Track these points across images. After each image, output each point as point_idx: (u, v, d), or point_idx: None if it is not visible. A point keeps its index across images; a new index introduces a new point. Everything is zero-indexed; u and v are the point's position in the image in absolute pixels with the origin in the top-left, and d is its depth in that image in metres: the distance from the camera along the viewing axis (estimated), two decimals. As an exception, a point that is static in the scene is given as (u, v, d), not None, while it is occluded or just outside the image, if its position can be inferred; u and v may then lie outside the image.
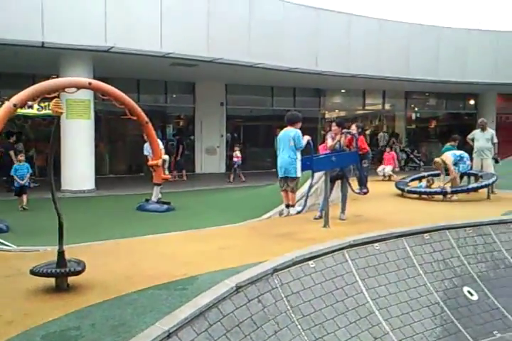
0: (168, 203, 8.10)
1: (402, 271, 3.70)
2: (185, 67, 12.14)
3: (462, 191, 9.87)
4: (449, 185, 9.45)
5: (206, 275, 3.18)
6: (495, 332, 3.43)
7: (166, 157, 9.17)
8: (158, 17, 10.37)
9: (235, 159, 13.23)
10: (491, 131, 10.68)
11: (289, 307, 3.09)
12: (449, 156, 9.65)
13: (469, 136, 11.05)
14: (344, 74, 13.98)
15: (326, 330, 3.09)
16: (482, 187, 10.01)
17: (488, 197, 9.95)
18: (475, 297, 3.63)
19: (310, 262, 3.41)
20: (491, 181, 9.95)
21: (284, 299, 3.12)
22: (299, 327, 3.03)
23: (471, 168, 10.09)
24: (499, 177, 10.49)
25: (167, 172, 9.40)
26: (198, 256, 3.86)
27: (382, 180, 12.24)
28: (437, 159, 9.77)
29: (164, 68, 12.25)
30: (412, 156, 19.22)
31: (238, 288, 2.91)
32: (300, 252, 3.44)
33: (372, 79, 15.10)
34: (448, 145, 11.12)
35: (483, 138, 10.46)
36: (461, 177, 9.96)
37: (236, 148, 13.64)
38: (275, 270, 3.19)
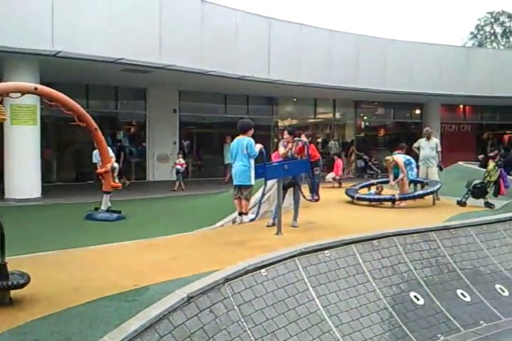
0: (118, 212, 7.92)
1: (352, 277, 3.77)
2: (137, 73, 11.97)
3: (409, 198, 10.24)
4: (398, 191, 9.80)
5: (157, 286, 3.12)
6: (439, 335, 3.55)
7: (116, 165, 8.98)
8: (108, 22, 10.19)
9: (178, 166, 13.11)
10: (435, 140, 11.18)
11: (241, 317, 3.08)
12: (400, 157, 10.04)
13: (415, 145, 11.52)
14: (294, 83, 14.20)
15: (277, 339, 3.10)
16: (428, 193, 10.42)
17: (434, 203, 10.36)
18: (421, 301, 3.75)
19: (262, 270, 3.42)
20: (435, 188, 10.38)
21: (236, 308, 3.11)
22: (251, 336, 3.03)
23: (418, 176, 10.51)
24: (443, 185, 10.96)
25: (117, 180, 9.20)
26: (148, 266, 3.79)
27: (332, 187, 12.50)
28: (389, 157, 10.13)
29: (115, 74, 12.03)
30: (370, 164, 19.76)
31: (190, 299, 2.88)
32: (252, 261, 3.45)
33: (323, 89, 15.42)
34: (395, 153, 11.51)
35: (428, 147, 10.93)
36: (409, 184, 10.32)
37: (179, 155, 13.58)
38: (227, 279, 3.18)
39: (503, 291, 4.26)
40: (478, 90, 19.53)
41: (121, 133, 16.10)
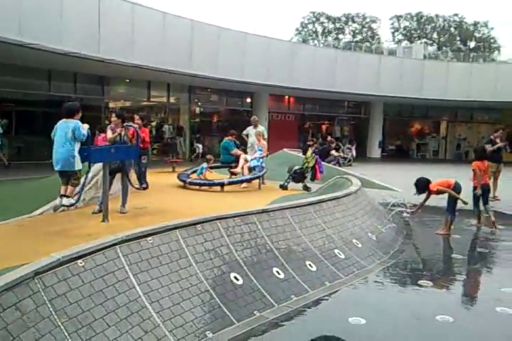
0: None
1: (174, 262, 3.80)
2: None
3: (237, 182, 10.71)
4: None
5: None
6: (255, 312, 3.79)
7: None
8: None
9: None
10: (262, 128, 11.88)
11: (52, 311, 2.89)
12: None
13: (244, 132, 12.09)
14: (127, 64, 13.68)
15: (94, 331, 2.99)
16: (254, 178, 11.02)
17: (260, 187, 11.01)
18: (240, 281, 3.95)
19: (79, 261, 3.24)
20: (261, 173, 11.04)
21: (48, 303, 2.90)
22: (64, 331, 2.86)
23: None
24: (269, 170, 11.69)
25: None
26: None
27: (167, 172, 12.44)
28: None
29: None
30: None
31: (-10, 297, 2.60)
32: (67, 251, 3.24)
33: (157, 71, 15.13)
34: (226, 139, 11.93)
35: (254, 134, 11.58)
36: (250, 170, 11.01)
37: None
38: (37, 273, 2.95)
39: (312, 267, 4.72)
40: (302, 83, 21.14)
41: None
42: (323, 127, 29.35)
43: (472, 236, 7.49)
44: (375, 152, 27.80)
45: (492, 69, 26.01)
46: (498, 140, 11.01)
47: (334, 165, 17.08)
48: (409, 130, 30.73)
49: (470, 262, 5.76)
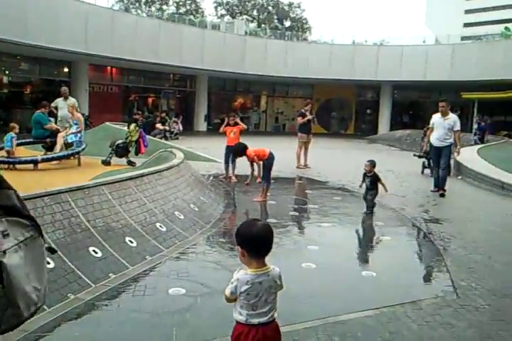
0: None
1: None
2: None
3: (52, 159, 9.94)
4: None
5: None
6: (69, 295, 3.59)
7: None
8: None
9: None
10: (73, 99, 11.23)
11: None
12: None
13: (53, 104, 11.26)
14: None
15: None
16: (72, 154, 10.34)
17: (79, 163, 10.39)
18: (51, 265, 3.68)
19: None
20: (80, 149, 10.40)
21: None
22: None
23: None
24: (90, 145, 11.06)
25: None
26: None
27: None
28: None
29: None
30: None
31: None
32: None
33: None
34: (38, 112, 10.93)
35: (65, 106, 10.95)
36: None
37: None
38: None
39: (132, 242, 4.63)
40: (124, 53, 20.26)
41: None
42: (150, 100, 28.77)
43: (286, 202, 8.15)
44: (202, 125, 28.31)
45: (304, 47, 28.20)
46: (307, 113, 12.04)
47: (160, 138, 16.94)
48: (233, 104, 31.90)
49: (283, 225, 6.26)
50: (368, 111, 33.32)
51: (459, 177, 11.23)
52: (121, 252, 4.41)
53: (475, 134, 21.91)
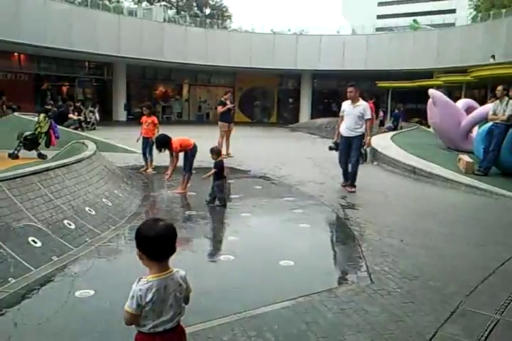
0: None
1: None
2: None
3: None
4: None
5: None
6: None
7: None
8: None
9: None
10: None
11: None
12: None
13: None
14: None
15: None
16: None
17: (-19, 158, 9.59)
18: None
19: None
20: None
21: None
22: None
23: None
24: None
25: None
26: None
27: None
28: None
29: None
30: None
31: None
32: None
33: None
34: None
35: None
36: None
37: None
38: None
39: (36, 243, 4.28)
40: (31, 38, 18.97)
41: None
42: (64, 89, 27.26)
43: (207, 193, 8.00)
44: (121, 115, 27.34)
45: (225, 36, 27.94)
46: (228, 102, 11.91)
47: (75, 129, 16.09)
48: (154, 92, 31.06)
49: (202, 216, 6.13)
50: (290, 99, 33.81)
51: (375, 163, 11.65)
52: (23, 254, 4.05)
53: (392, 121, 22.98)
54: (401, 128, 21.54)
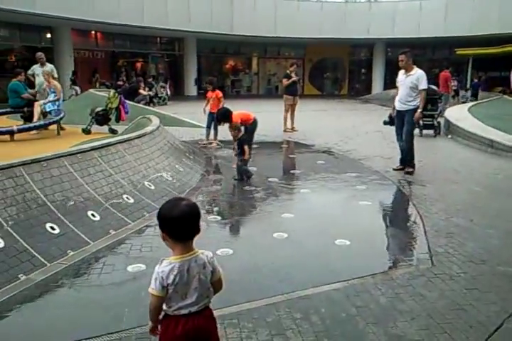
0: None
1: None
2: None
3: (30, 129, 9.63)
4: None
5: None
6: (20, 275, 3.39)
7: None
8: None
9: None
10: (50, 66, 10.70)
11: None
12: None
13: (29, 72, 10.74)
14: None
15: None
16: (51, 123, 10.01)
17: (58, 133, 10.07)
18: (1, 244, 3.48)
19: None
20: (58, 118, 10.06)
21: None
22: None
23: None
24: (71, 113, 10.73)
25: None
26: None
27: None
28: None
29: None
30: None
31: None
32: None
33: None
34: (14, 80, 10.55)
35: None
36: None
37: None
38: None
39: (95, 216, 4.41)
40: (105, 16, 19.50)
41: None
42: (138, 65, 28.00)
43: (267, 168, 7.90)
44: (192, 90, 27.70)
45: (294, 5, 26.99)
46: (293, 74, 11.61)
47: (145, 104, 16.51)
48: (224, 67, 31.09)
49: (259, 192, 6.05)
50: (362, 70, 32.55)
51: (449, 136, 10.95)
52: (82, 227, 4.20)
53: (466, 91, 21.48)
54: (476, 99, 20.07)
